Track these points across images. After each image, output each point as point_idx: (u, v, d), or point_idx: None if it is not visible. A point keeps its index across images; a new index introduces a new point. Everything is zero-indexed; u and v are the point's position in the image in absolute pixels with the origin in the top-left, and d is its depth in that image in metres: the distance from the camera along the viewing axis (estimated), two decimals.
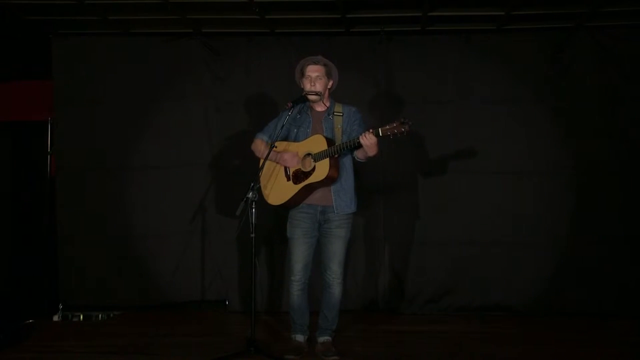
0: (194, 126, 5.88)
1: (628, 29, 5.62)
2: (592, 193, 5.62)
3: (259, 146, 4.44)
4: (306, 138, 4.33)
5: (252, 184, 4.13)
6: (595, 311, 5.50)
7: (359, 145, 4.09)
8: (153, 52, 5.89)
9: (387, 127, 4.01)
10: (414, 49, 5.81)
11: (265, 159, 4.22)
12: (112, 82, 5.89)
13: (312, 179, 4.21)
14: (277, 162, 4.34)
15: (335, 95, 5.62)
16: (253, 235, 4.16)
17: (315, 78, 4.29)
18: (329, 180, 4.20)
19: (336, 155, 4.19)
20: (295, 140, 4.35)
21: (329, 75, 4.35)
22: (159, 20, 5.69)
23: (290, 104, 4.27)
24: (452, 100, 5.75)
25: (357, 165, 4.43)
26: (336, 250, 4.31)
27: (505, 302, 5.63)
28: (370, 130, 4.04)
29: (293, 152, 4.30)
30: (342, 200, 4.29)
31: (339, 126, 4.31)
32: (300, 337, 4.43)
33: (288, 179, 4.31)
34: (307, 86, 4.30)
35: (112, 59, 5.91)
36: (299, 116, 4.35)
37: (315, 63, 4.32)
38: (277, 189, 4.34)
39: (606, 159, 5.62)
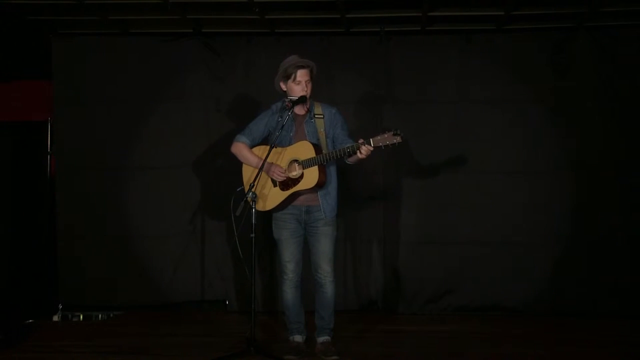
0: (193, 126, 5.88)
1: (628, 29, 5.62)
2: (592, 193, 5.62)
3: (243, 150, 4.36)
4: (289, 141, 4.29)
5: (251, 184, 4.13)
6: (595, 311, 5.50)
7: (350, 155, 4.08)
8: (153, 52, 5.90)
9: (379, 137, 3.99)
10: (414, 49, 5.81)
11: (264, 161, 4.18)
12: (112, 82, 5.89)
13: (300, 186, 4.20)
14: (267, 172, 4.28)
15: (335, 95, 5.66)
16: (253, 235, 4.16)
17: (306, 82, 4.24)
18: (318, 187, 4.20)
19: (325, 164, 4.19)
20: (279, 144, 4.28)
21: (312, 77, 4.30)
22: (159, 20, 5.69)
23: (289, 104, 4.24)
24: (452, 100, 5.75)
25: (348, 166, 4.42)
26: (325, 248, 4.29)
27: (505, 302, 5.63)
28: (362, 141, 4.00)
29: (283, 169, 4.26)
30: (328, 204, 4.30)
31: (322, 130, 4.28)
32: (298, 338, 4.43)
33: (275, 185, 4.29)
34: (299, 91, 4.22)
35: (112, 59, 5.91)
36: (279, 119, 4.29)
37: (304, 67, 4.24)
38: (264, 195, 4.31)
39: (606, 159, 5.62)
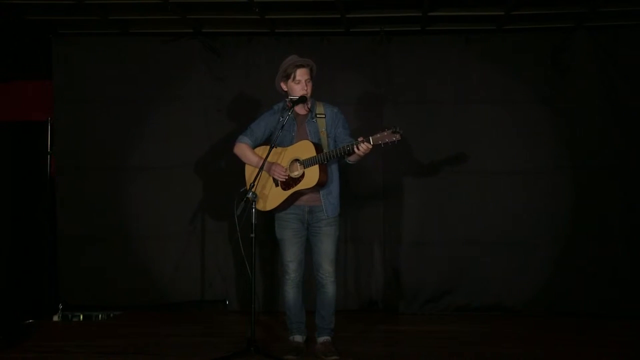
0: (194, 126, 5.88)
1: (628, 29, 5.63)
2: (591, 193, 5.62)
3: (245, 150, 4.37)
4: (290, 141, 4.30)
5: (251, 184, 4.13)
6: (595, 311, 5.50)
7: (350, 153, 4.08)
8: (153, 52, 5.90)
9: (379, 135, 3.99)
10: (414, 49, 5.81)
11: (264, 160, 4.19)
12: (112, 82, 5.89)
13: (301, 185, 4.20)
14: (268, 171, 4.29)
15: (336, 95, 5.65)
16: (253, 235, 4.16)
17: (306, 82, 4.24)
18: (319, 187, 4.20)
19: (326, 162, 4.19)
20: (280, 144, 4.29)
21: (312, 76, 4.30)
22: (159, 20, 5.69)
23: (290, 104, 4.25)
24: (452, 100, 5.75)
25: (350, 166, 4.41)
26: (327, 249, 4.30)
27: (505, 302, 5.64)
28: (361, 139, 4.01)
29: (284, 167, 4.26)
30: (330, 203, 4.30)
31: (323, 129, 4.29)
32: (298, 338, 4.43)
33: (277, 185, 4.29)
34: (299, 90, 4.23)
35: (112, 59, 5.91)
36: (281, 119, 4.29)
37: (304, 66, 4.24)
38: (265, 194, 4.31)
39: (606, 159, 5.62)
